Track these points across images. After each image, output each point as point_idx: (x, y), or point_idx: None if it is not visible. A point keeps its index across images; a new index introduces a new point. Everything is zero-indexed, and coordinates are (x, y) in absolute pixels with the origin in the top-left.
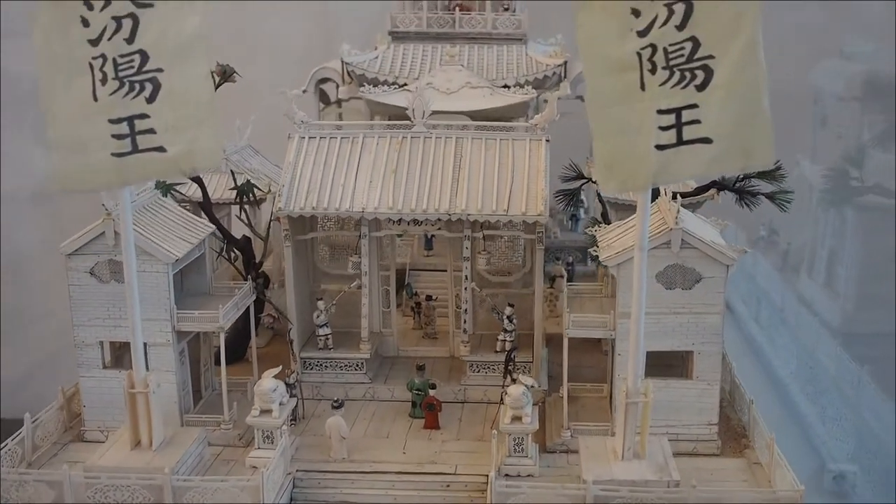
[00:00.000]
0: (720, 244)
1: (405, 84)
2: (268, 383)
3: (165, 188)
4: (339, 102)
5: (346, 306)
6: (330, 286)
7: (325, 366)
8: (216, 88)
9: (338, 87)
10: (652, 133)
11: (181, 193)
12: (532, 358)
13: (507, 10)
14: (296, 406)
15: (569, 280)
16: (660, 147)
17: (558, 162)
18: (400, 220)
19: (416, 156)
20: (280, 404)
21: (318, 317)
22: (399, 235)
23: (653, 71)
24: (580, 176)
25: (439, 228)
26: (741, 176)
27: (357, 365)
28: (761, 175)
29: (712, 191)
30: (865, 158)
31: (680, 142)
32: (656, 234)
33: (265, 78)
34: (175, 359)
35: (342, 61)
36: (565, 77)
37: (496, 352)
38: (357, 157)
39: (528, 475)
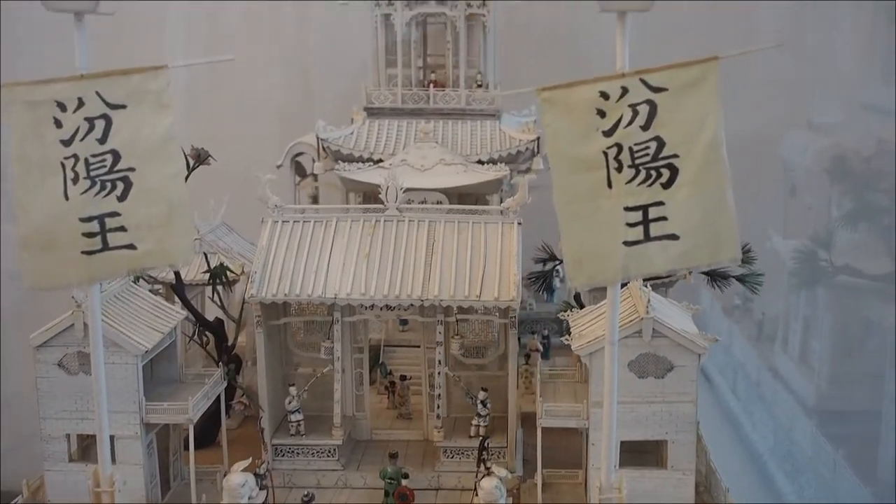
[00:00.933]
0: (692, 332)
1: (380, 160)
2: (236, 478)
3: (137, 274)
4: (315, 177)
5: (320, 389)
6: (303, 370)
7: (297, 452)
8: (190, 172)
9: (314, 161)
10: (619, 229)
11: (153, 277)
12: (506, 443)
13: (480, 86)
14: (266, 497)
15: (544, 353)
16: (627, 243)
17: (531, 235)
18: (373, 305)
19: (388, 240)
20: (249, 498)
21: (290, 402)
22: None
23: (619, 169)
24: (552, 257)
25: (413, 313)
26: None
27: (329, 451)
28: None
29: (685, 272)
30: (834, 238)
31: (647, 238)
32: (628, 322)
33: (242, 149)
34: (143, 451)
35: (317, 137)
36: (538, 152)
37: (470, 437)
38: (330, 242)
39: None
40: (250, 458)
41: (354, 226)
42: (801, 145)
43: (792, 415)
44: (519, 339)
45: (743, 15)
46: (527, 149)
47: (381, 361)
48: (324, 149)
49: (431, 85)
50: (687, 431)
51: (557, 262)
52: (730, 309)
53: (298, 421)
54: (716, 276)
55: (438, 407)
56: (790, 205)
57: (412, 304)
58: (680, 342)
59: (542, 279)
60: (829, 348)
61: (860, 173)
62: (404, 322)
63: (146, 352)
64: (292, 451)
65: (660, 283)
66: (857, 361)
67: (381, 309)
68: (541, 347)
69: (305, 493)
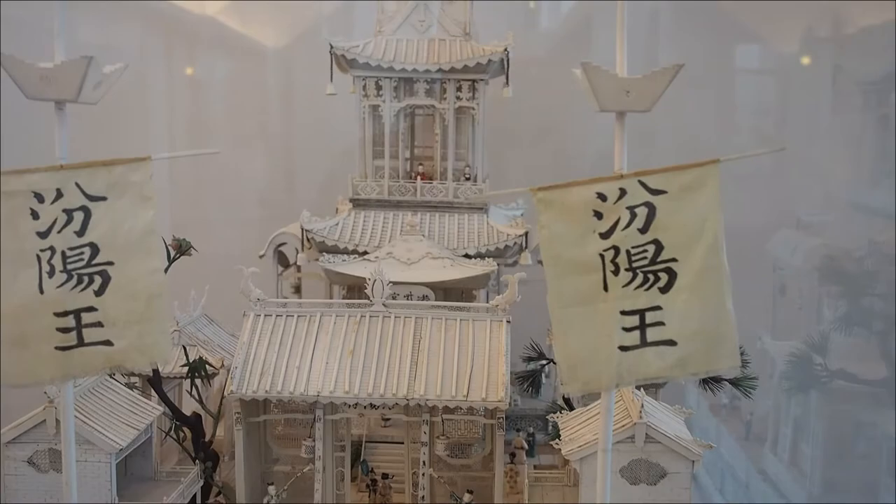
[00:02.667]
0: (686, 438)
1: (365, 252)
2: None
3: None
4: (298, 267)
5: (299, 487)
6: (282, 467)
7: None
8: (171, 263)
9: (297, 251)
10: (615, 334)
11: (128, 371)
12: None
13: (468, 179)
14: None
15: (530, 451)
16: (623, 348)
17: (518, 330)
18: (356, 403)
19: (374, 336)
20: None
21: (268, 502)
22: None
23: (616, 272)
24: (541, 355)
25: (398, 412)
26: None
27: None
28: None
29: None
30: (829, 343)
31: (644, 343)
32: (620, 427)
33: (224, 235)
34: None
35: (302, 228)
36: (526, 246)
37: None
38: (313, 337)
39: None
40: None
41: (339, 321)
42: (791, 244)
43: None
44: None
45: (728, 118)
46: (515, 243)
47: (362, 459)
48: (308, 239)
49: (419, 177)
50: None
51: (546, 362)
52: (717, 408)
53: None
54: (708, 379)
55: None
56: (780, 304)
57: (397, 403)
58: (674, 448)
59: (530, 378)
60: (822, 453)
61: (852, 275)
62: (387, 418)
63: (120, 450)
64: None
65: (650, 384)
66: (849, 467)
67: (364, 407)
68: (526, 445)
69: None
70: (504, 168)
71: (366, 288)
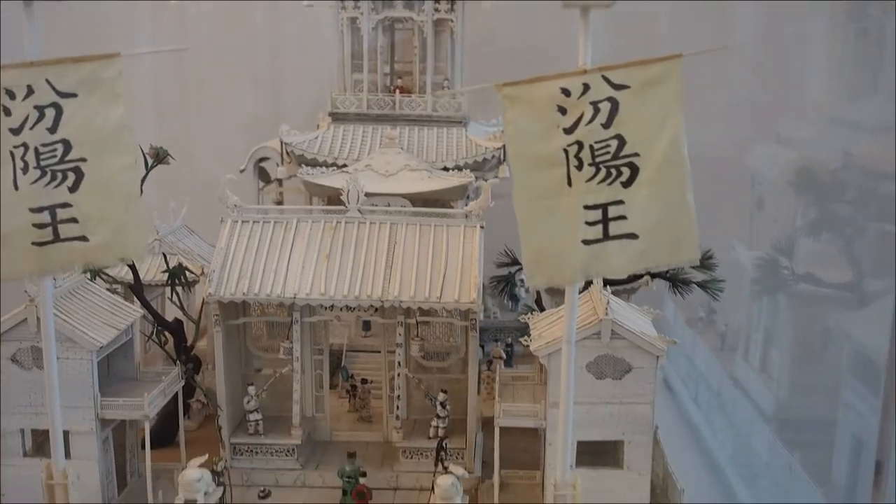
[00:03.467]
0: (650, 335)
1: (344, 165)
2: (192, 473)
3: (94, 271)
4: (279, 182)
5: (279, 390)
6: (262, 367)
7: (256, 452)
8: (149, 171)
9: (278, 165)
10: (579, 228)
11: (111, 277)
12: (465, 444)
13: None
14: (223, 494)
15: (507, 361)
16: (586, 242)
17: (494, 242)
18: (332, 305)
19: (349, 241)
20: (205, 494)
21: (248, 402)
22: (339, 319)
23: (579, 167)
24: (515, 261)
25: (374, 314)
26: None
27: (288, 451)
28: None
29: (646, 278)
30: (796, 247)
31: (606, 237)
32: (586, 324)
33: (208, 152)
34: (98, 447)
35: (281, 141)
36: (504, 160)
37: (429, 438)
38: (290, 242)
39: None
40: (206, 455)
41: (315, 227)
42: (769, 159)
43: (751, 423)
44: (483, 347)
45: (712, 25)
46: (493, 156)
47: (342, 365)
48: (287, 153)
49: (397, 91)
50: (643, 433)
51: (520, 267)
52: (693, 320)
53: (257, 420)
54: (677, 282)
55: (398, 408)
56: (757, 218)
57: (372, 305)
58: (638, 344)
59: (504, 283)
60: (789, 357)
61: (825, 185)
62: (367, 328)
63: (101, 348)
64: (251, 451)
65: (622, 289)
66: (815, 370)
67: (340, 309)
68: (504, 355)
69: (262, 489)
70: (483, 82)
71: (342, 196)
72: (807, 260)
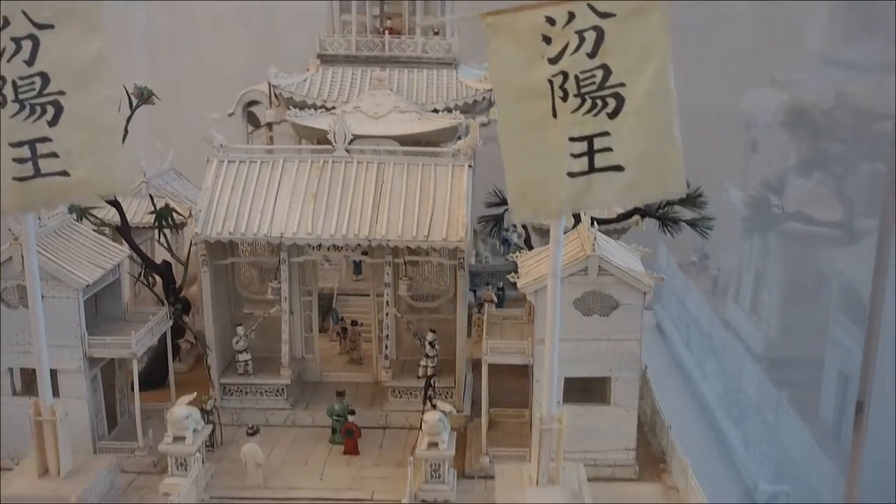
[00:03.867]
0: (637, 271)
1: (333, 107)
2: (180, 410)
3: (80, 212)
4: (269, 126)
5: (268, 331)
6: (253, 311)
7: (246, 392)
8: (133, 111)
9: (266, 109)
10: (564, 160)
11: (98, 218)
12: (454, 383)
13: (437, 33)
14: (213, 432)
15: (499, 305)
16: (572, 174)
17: (484, 187)
18: (319, 245)
19: (336, 181)
20: (194, 431)
21: (237, 342)
22: (328, 261)
23: (564, 98)
24: (504, 201)
25: (364, 254)
26: (663, 202)
27: (277, 391)
28: (683, 201)
29: (636, 217)
30: (787, 186)
31: (592, 169)
32: (574, 260)
33: (200, 98)
34: (87, 385)
35: (269, 84)
36: (495, 102)
37: (418, 377)
38: (277, 182)
39: (445, 501)
40: (195, 393)
41: (302, 167)
42: (763, 101)
43: (740, 363)
44: (474, 291)
45: None
46: (483, 98)
47: (333, 308)
48: (276, 96)
49: (387, 32)
50: (630, 369)
51: (508, 207)
52: (686, 265)
53: (246, 361)
54: (666, 221)
55: (386, 348)
56: (752, 162)
57: (359, 245)
58: (625, 280)
59: (493, 223)
60: (779, 298)
61: (818, 124)
62: (358, 271)
63: (87, 287)
64: (241, 391)
65: (612, 229)
66: (805, 309)
67: (328, 249)
68: (495, 299)
69: (250, 426)
70: (475, 24)
71: (328, 135)
72: (798, 199)
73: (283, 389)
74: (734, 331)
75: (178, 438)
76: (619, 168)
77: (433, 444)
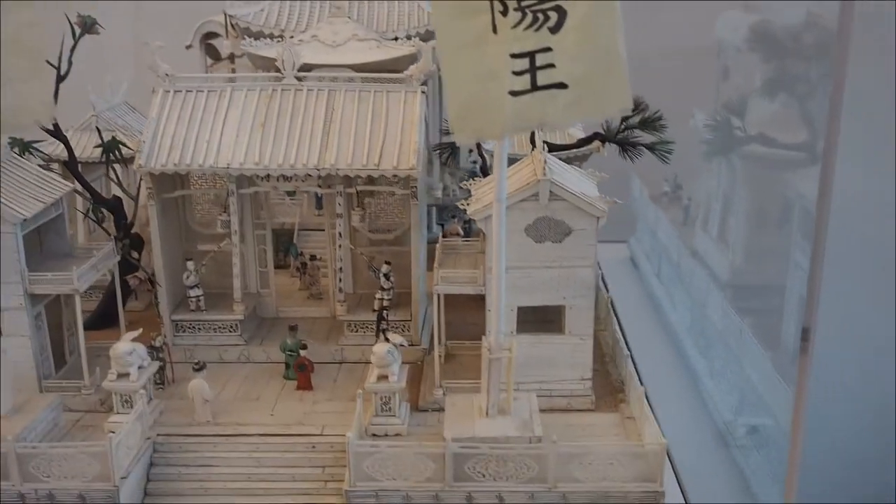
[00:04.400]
0: (590, 196)
1: (292, 37)
2: (123, 346)
3: (23, 146)
4: (231, 58)
5: (222, 267)
6: (206, 246)
7: (198, 328)
8: (76, 41)
9: (224, 41)
10: (505, 78)
11: (45, 154)
12: (410, 316)
13: None
14: (163, 369)
15: (466, 237)
16: (514, 93)
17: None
18: (268, 176)
19: (285, 109)
20: (139, 367)
21: (187, 278)
22: (291, 194)
23: (504, 12)
24: None
25: (319, 185)
26: (622, 127)
27: (231, 327)
28: (642, 125)
29: (596, 143)
30: (750, 108)
31: (535, 87)
32: (524, 185)
33: (155, 31)
34: (30, 323)
35: (225, 14)
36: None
37: (374, 311)
38: (224, 112)
39: (396, 434)
40: (140, 330)
41: (250, 96)
42: (734, 23)
43: (706, 292)
44: (442, 225)
45: None
46: None
47: (293, 243)
48: (233, 27)
49: None
50: (585, 297)
51: None
52: (658, 196)
53: (198, 296)
54: (625, 145)
55: (340, 281)
56: (723, 88)
57: (308, 175)
58: (577, 205)
59: (448, 151)
60: (745, 223)
61: (785, 45)
62: (319, 206)
63: (25, 221)
64: (193, 327)
65: (573, 155)
66: (769, 234)
67: (277, 180)
68: (461, 232)
69: (196, 361)
70: None
71: (276, 62)
72: (761, 121)
73: (236, 325)
74: (701, 259)
75: (123, 375)
76: (562, 85)
77: (383, 377)
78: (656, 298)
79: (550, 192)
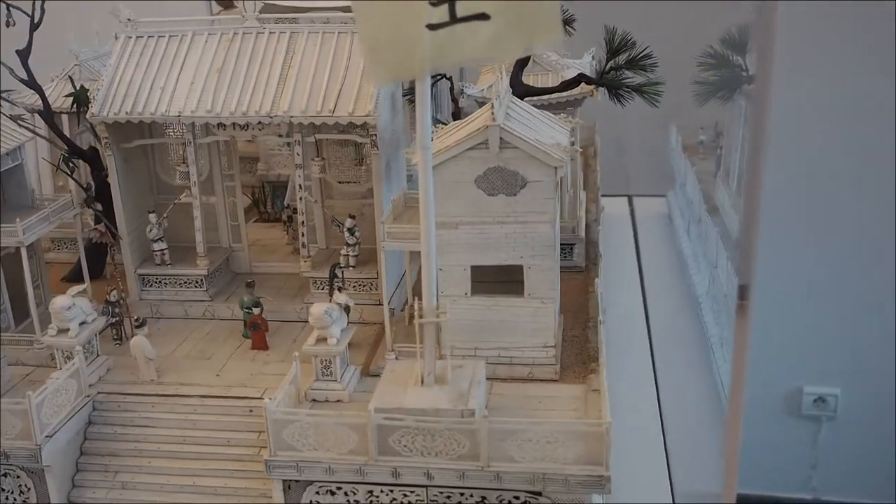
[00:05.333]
0: (547, 143)
1: None
2: (62, 300)
3: None
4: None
5: (191, 220)
6: (175, 200)
7: (164, 283)
8: None
9: None
10: (422, 11)
11: (12, 103)
12: (377, 274)
13: None
14: (121, 325)
15: None
16: (432, 27)
17: None
18: (220, 123)
19: (244, 54)
20: (82, 323)
21: (150, 231)
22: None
23: None
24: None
25: (280, 134)
26: (608, 68)
27: (196, 282)
28: (629, 64)
29: (590, 87)
30: (747, 40)
31: (454, 19)
32: (474, 132)
33: None
34: None
35: None
36: None
37: (340, 267)
38: (182, 57)
39: (338, 400)
40: (85, 285)
41: (211, 40)
42: None
43: (717, 251)
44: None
45: None
46: None
47: (277, 195)
48: None
49: None
50: (545, 256)
51: (438, 77)
52: (694, 146)
53: (162, 250)
54: (612, 88)
55: (303, 235)
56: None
57: (261, 122)
58: (532, 154)
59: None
60: None
61: None
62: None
63: None
64: (159, 282)
65: (564, 101)
66: None
67: (234, 128)
68: None
69: (136, 317)
70: None
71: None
72: None
73: (201, 280)
74: (720, 215)
75: (63, 331)
76: (484, 16)
77: (322, 339)
78: (684, 258)
79: (501, 138)
